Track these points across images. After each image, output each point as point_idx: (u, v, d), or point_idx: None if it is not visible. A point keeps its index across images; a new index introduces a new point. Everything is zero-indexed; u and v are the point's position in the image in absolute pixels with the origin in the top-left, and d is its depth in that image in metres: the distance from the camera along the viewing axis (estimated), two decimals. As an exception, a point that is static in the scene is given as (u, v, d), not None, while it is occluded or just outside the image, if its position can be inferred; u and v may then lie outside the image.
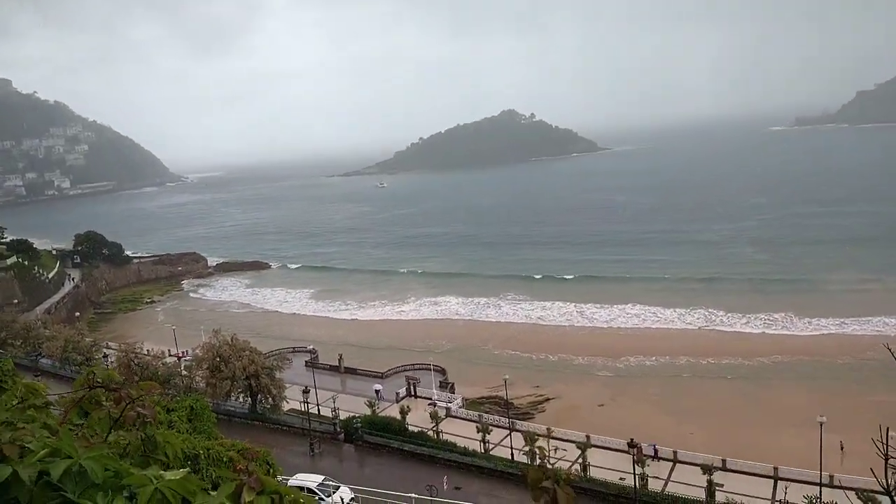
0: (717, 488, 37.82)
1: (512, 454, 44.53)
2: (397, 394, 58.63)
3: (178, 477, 2.85)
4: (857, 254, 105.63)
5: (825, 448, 37.53)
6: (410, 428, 47.38)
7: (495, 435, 48.35)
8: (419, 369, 64.39)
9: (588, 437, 46.55)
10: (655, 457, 44.33)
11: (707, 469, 38.47)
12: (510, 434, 47.91)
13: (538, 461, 41.20)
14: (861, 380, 59.41)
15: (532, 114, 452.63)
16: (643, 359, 71.32)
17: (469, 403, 58.64)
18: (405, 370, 65.21)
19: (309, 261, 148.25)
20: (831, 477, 38.88)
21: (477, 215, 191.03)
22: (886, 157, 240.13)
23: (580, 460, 42.32)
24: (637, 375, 67.09)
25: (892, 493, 5.42)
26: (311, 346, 72.01)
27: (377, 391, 57.95)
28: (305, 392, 47.86)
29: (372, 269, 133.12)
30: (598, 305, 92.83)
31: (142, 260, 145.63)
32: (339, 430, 47.71)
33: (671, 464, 44.05)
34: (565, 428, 50.51)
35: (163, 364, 59.70)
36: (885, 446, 8.48)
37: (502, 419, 52.27)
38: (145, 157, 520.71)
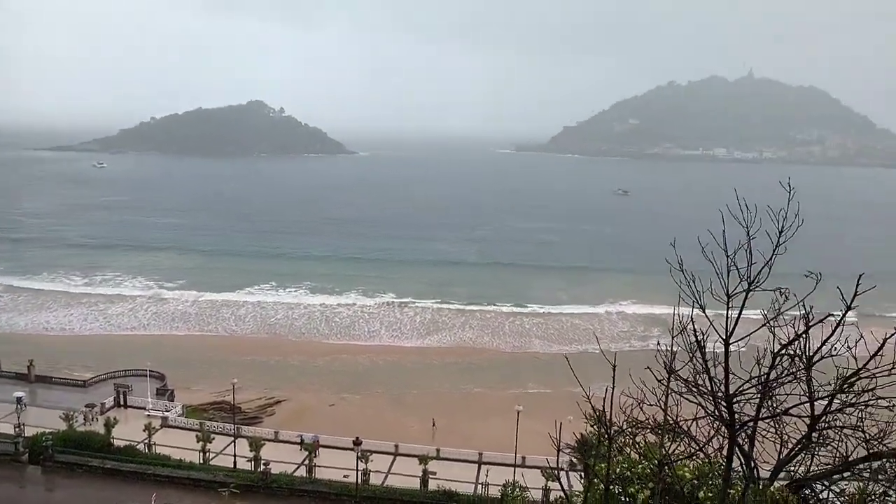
0: (430, 476, 40.87)
1: (235, 462, 42.51)
2: (103, 405, 51.86)
3: None
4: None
5: (521, 433, 43.08)
6: (117, 442, 42.20)
7: (219, 443, 45.78)
8: (132, 376, 57.84)
9: (317, 437, 46.67)
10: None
11: (423, 459, 41.39)
12: (234, 441, 45.76)
13: (262, 466, 40.12)
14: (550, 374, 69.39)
15: (282, 108, 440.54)
16: (375, 357, 74.16)
17: (190, 411, 54.54)
18: (115, 377, 58.04)
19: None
20: (524, 458, 44.72)
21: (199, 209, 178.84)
22: (579, 184, 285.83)
23: (307, 462, 42.23)
24: (370, 374, 69.42)
25: (559, 475, 6.53)
26: (-9, 352, 59.84)
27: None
28: (-24, 408, 39.44)
29: (81, 263, 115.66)
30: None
31: None
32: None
33: (392, 457, 46.40)
34: (294, 430, 50.05)
35: None
36: (557, 439, 9.96)
37: (227, 426, 49.69)
38: None
